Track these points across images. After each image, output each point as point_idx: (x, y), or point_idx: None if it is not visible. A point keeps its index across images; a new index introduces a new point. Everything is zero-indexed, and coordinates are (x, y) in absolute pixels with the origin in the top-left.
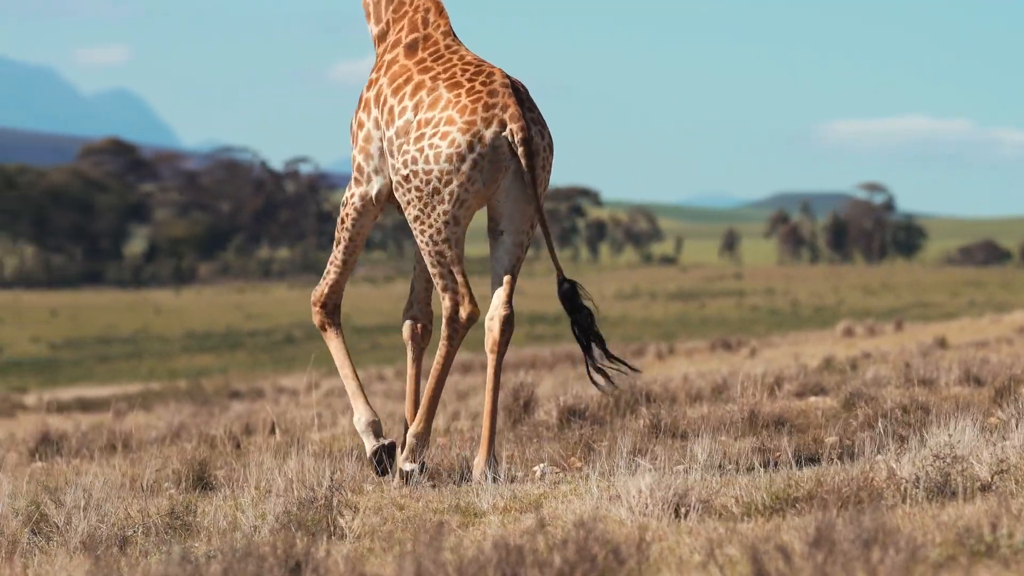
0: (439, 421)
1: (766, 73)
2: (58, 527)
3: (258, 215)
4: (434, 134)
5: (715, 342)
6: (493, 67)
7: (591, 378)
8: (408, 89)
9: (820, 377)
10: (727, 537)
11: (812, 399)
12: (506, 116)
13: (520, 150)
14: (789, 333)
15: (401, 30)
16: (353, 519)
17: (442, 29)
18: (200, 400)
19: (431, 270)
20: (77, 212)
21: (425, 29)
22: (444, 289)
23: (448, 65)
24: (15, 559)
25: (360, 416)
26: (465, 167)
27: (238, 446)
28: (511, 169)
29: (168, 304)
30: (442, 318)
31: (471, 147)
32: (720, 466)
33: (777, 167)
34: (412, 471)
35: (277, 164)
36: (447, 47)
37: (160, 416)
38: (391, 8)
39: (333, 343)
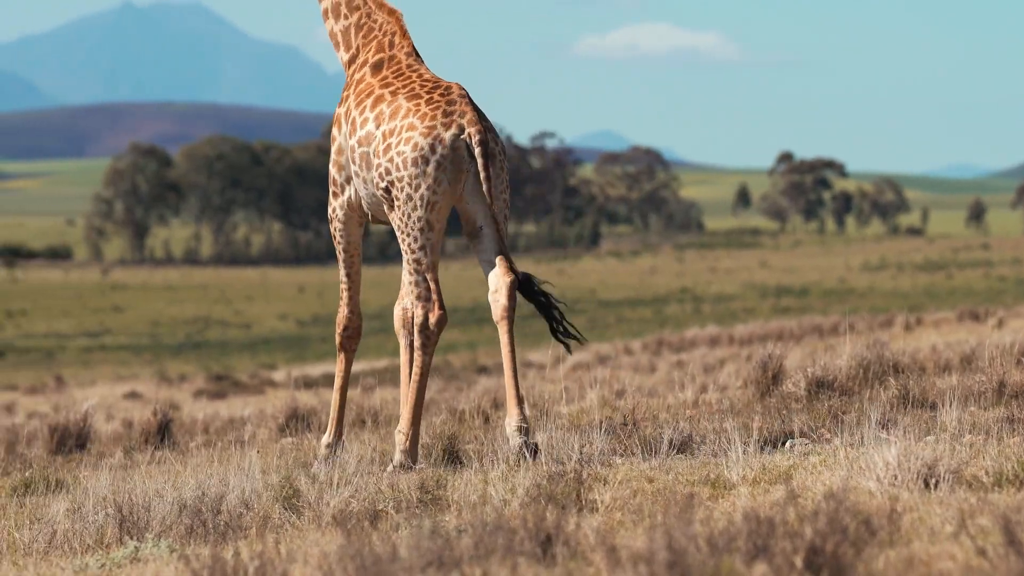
0: (691, 394)
1: (1012, 42)
2: (310, 503)
3: None
4: (398, 142)
5: (963, 312)
6: (450, 83)
7: (559, 339)
8: (369, 102)
9: None
10: (978, 508)
11: None
12: (464, 121)
13: (477, 150)
14: None
15: (369, 51)
16: (603, 492)
17: (405, 50)
18: (448, 375)
19: (407, 278)
20: (322, 189)
21: (391, 51)
22: (418, 297)
23: (407, 81)
24: (266, 534)
25: (328, 438)
26: (430, 169)
27: (487, 420)
28: (471, 172)
29: None
30: (414, 328)
31: (433, 149)
32: (969, 436)
33: None
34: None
35: (523, 139)
36: (408, 66)
37: None
38: (360, 35)
39: (341, 365)
